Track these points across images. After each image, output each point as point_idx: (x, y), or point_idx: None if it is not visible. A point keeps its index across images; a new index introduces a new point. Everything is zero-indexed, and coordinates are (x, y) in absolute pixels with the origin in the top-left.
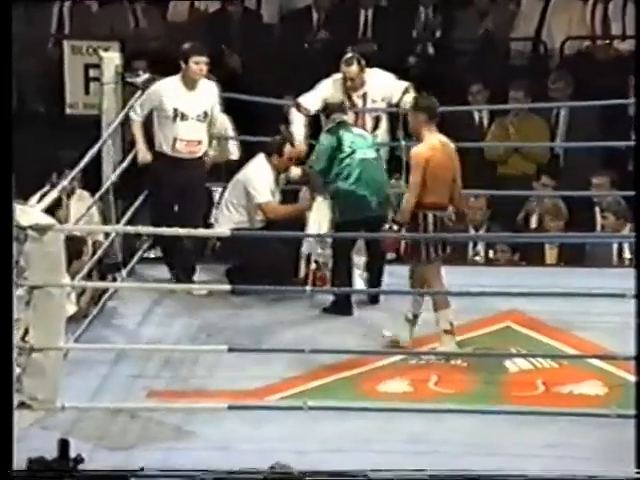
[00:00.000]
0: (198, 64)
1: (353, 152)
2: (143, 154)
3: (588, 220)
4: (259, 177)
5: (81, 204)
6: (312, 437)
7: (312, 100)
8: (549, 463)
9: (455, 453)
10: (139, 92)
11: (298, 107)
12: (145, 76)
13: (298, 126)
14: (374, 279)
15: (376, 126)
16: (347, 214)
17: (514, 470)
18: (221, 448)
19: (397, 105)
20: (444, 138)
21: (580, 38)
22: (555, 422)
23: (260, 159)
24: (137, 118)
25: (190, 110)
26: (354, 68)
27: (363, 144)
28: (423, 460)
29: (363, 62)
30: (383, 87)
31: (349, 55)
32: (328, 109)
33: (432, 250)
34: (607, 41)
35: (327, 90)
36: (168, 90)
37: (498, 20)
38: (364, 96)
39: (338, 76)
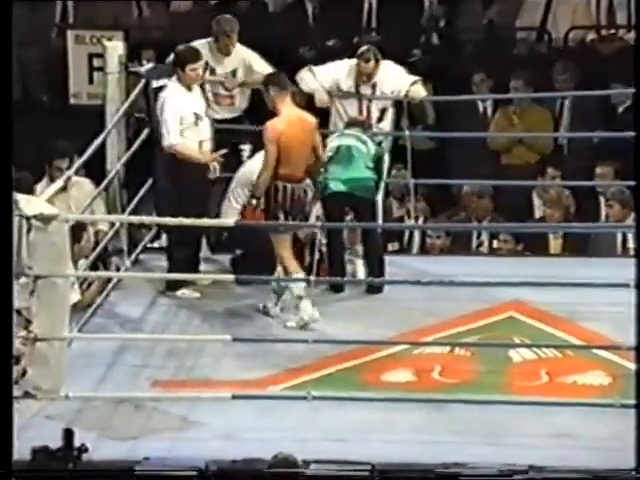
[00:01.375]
0: (195, 70)
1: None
2: (212, 159)
3: (592, 210)
4: None
5: (80, 192)
6: (315, 427)
7: (322, 74)
8: (553, 453)
9: (458, 443)
10: (142, 82)
11: (311, 71)
12: (148, 66)
13: (311, 82)
14: (373, 269)
15: (382, 118)
16: (324, 191)
17: (518, 460)
18: (225, 437)
19: (405, 96)
20: (303, 112)
21: (585, 28)
22: (559, 412)
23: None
24: (180, 140)
25: (201, 110)
26: (371, 65)
27: (351, 136)
28: (427, 450)
29: (379, 56)
30: (393, 80)
31: (365, 49)
32: (349, 124)
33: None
34: (612, 31)
35: (339, 73)
36: (183, 98)
37: (503, 9)
38: (373, 86)
39: (352, 62)
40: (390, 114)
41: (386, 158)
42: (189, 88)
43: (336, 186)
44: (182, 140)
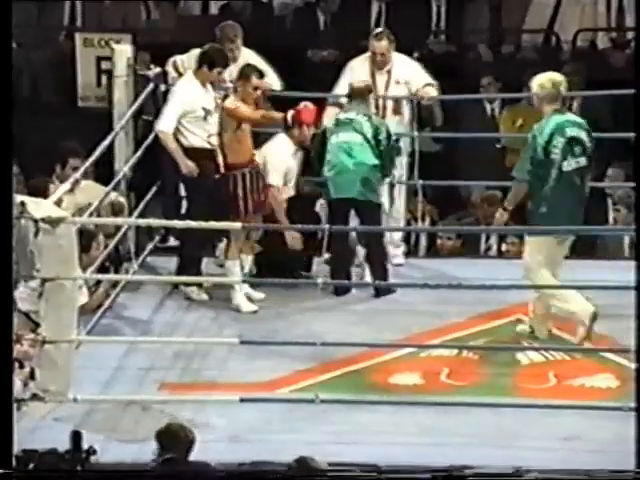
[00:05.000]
0: (220, 74)
1: (330, 138)
2: (189, 166)
3: (601, 212)
4: (278, 157)
5: (84, 195)
6: (323, 429)
7: (341, 89)
8: (561, 456)
9: (466, 445)
10: (151, 85)
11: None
12: (157, 70)
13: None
14: (377, 272)
15: (398, 110)
16: (327, 195)
17: (525, 463)
18: (234, 440)
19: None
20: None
21: (593, 30)
22: (567, 415)
23: (280, 137)
24: (170, 129)
25: (211, 106)
26: (384, 43)
27: (346, 128)
28: (435, 452)
29: (392, 37)
30: (409, 70)
31: (379, 30)
32: (352, 93)
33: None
34: (622, 33)
35: (352, 71)
36: (193, 92)
37: (510, 12)
38: (388, 73)
39: (366, 55)
40: (407, 111)
41: (403, 161)
42: (204, 84)
43: (338, 192)
44: (171, 130)
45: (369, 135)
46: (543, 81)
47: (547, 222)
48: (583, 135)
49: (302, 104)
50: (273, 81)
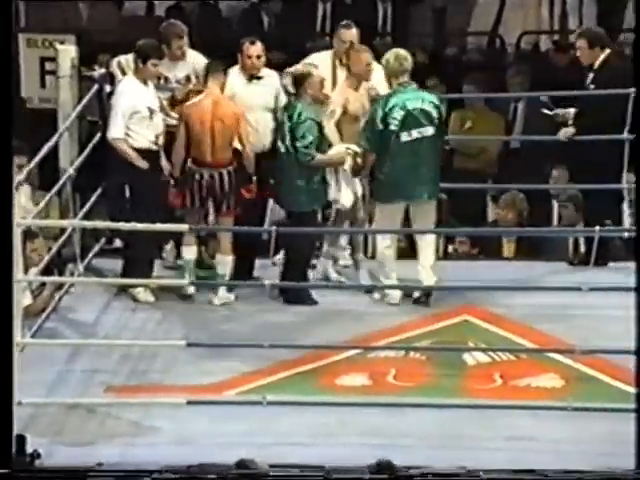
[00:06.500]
0: (156, 66)
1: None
2: (144, 164)
3: (545, 213)
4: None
5: (27, 198)
6: (271, 431)
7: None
8: (508, 456)
9: (414, 446)
10: (96, 86)
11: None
12: (102, 70)
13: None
14: (293, 276)
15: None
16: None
17: (473, 463)
18: (181, 443)
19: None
20: (225, 100)
21: (536, 33)
22: (513, 415)
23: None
24: (121, 134)
25: (154, 104)
26: (354, 31)
27: (279, 134)
28: (382, 453)
29: (358, 30)
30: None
31: (345, 22)
32: (296, 82)
33: (192, 200)
34: (565, 35)
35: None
36: (135, 92)
37: (455, 15)
38: (348, 69)
39: (327, 52)
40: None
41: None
42: (145, 82)
43: (276, 201)
44: (122, 136)
45: (288, 144)
46: (388, 57)
47: (384, 189)
48: (429, 107)
49: None
50: None
